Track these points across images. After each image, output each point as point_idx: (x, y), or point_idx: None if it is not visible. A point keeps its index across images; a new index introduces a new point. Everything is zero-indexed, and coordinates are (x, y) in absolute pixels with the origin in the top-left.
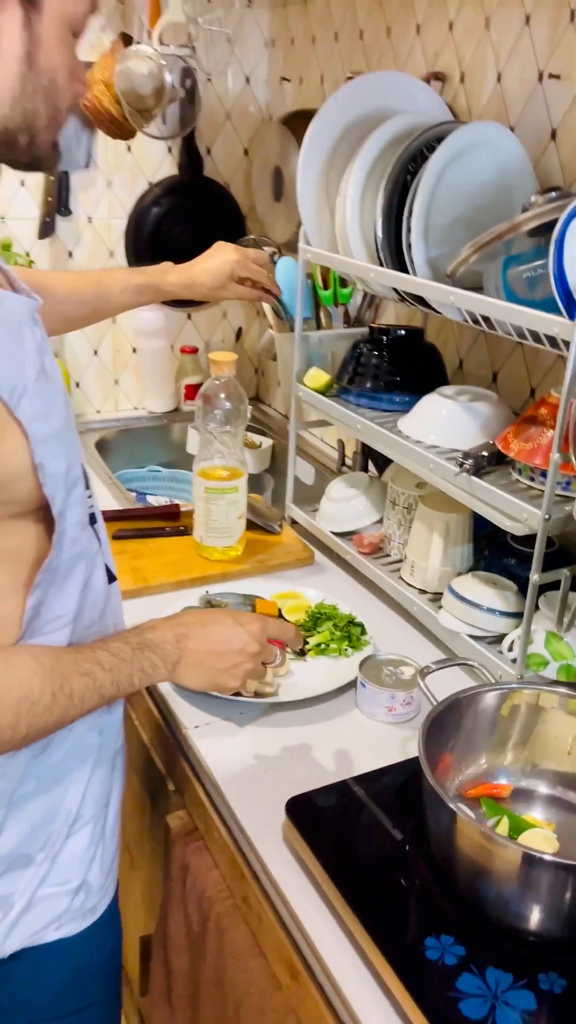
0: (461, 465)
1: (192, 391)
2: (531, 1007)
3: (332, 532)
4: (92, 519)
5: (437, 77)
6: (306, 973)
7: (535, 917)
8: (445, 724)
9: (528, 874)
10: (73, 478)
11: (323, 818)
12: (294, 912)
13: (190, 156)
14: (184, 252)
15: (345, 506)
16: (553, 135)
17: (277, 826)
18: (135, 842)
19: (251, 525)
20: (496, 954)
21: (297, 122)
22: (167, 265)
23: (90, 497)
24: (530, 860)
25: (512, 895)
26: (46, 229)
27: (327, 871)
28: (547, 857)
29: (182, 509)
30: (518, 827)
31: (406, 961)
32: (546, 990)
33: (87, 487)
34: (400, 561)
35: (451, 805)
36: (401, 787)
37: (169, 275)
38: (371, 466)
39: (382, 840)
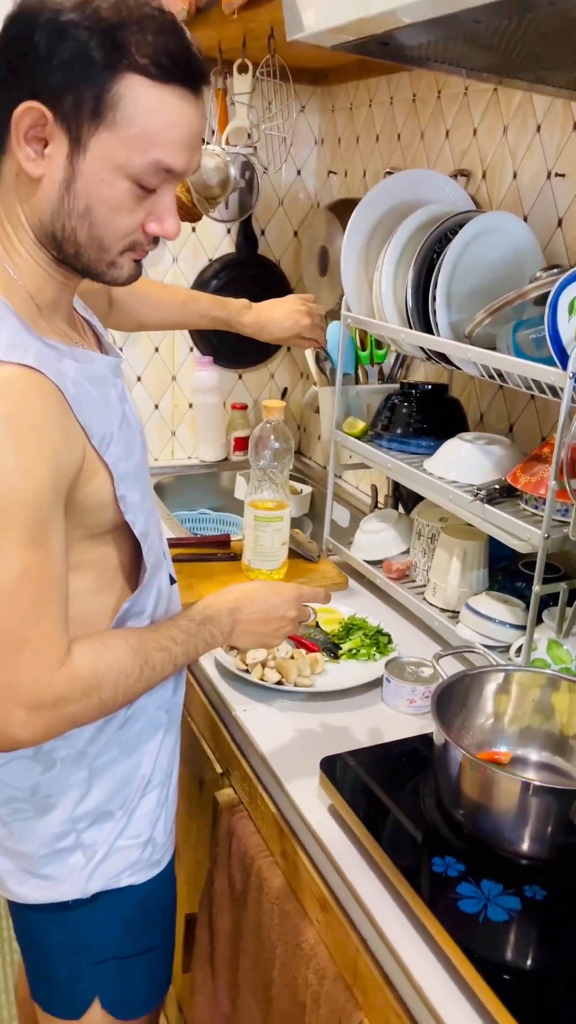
0: (475, 494)
1: (241, 443)
2: (516, 907)
3: (365, 560)
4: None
5: (463, 173)
6: (334, 903)
7: (525, 842)
8: (453, 695)
9: (521, 801)
10: (149, 505)
11: (350, 772)
12: (327, 848)
13: (246, 236)
14: None
15: (376, 537)
16: (560, 223)
17: (313, 784)
18: (181, 833)
19: (292, 554)
20: (490, 870)
21: (341, 209)
22: (244, 303)
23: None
24: (524, 787)
25: (507, 823)
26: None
27: (354, 810)
28: (537, 782)
29: (232, 540)
30: None
31: (416, 874)
32: (529, 897)
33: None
34: (424, 585)
35: (458, 747)
36: (417, 750)
37: (245, 316)
38: (400, 507)
39: (400, 788)
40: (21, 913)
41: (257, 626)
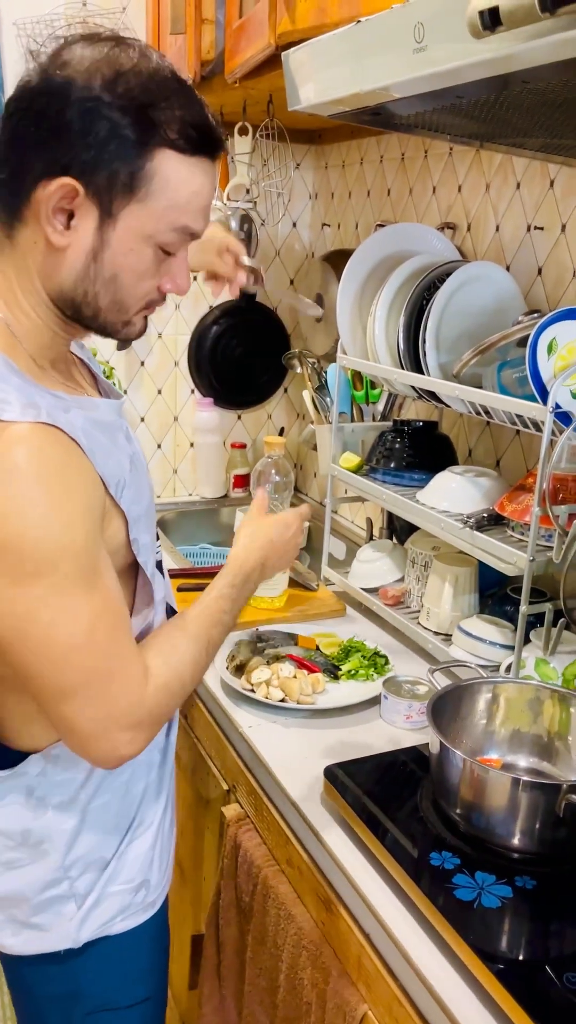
0: (465, 522)
1: (240, 480)
2: (508, 895)
3: (361, 588)
4: (159, 565)
5: (449, 226)
6: (338, 903)
7: (516, 836)
8: (447, 705)
9: (512, 797)
10: (156, 546)
11: (353, 779)
12: (331, 851)
13: None
14: (239, 364)
15: (372, 566)
16: (539, 271)
17: (317, 793)
18: (188, 855)
19: (292, 583)
20: (484, 863)
21: (335, 259)
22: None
23: (158, 550)
24: (515, 783)
25: (499, 819)
26: (123, 343)
27: (356, 813)
28: (526, 778)
29: None
30: None
31: (415, 868)
32: (520, 886)
33: (156, 538)
34: (418, 610)
35: (453, 748)
36: (414, 758)
37: None
38: (394, 538)
39: (399, 792)
40: (12, 964)
41: (280, 562)
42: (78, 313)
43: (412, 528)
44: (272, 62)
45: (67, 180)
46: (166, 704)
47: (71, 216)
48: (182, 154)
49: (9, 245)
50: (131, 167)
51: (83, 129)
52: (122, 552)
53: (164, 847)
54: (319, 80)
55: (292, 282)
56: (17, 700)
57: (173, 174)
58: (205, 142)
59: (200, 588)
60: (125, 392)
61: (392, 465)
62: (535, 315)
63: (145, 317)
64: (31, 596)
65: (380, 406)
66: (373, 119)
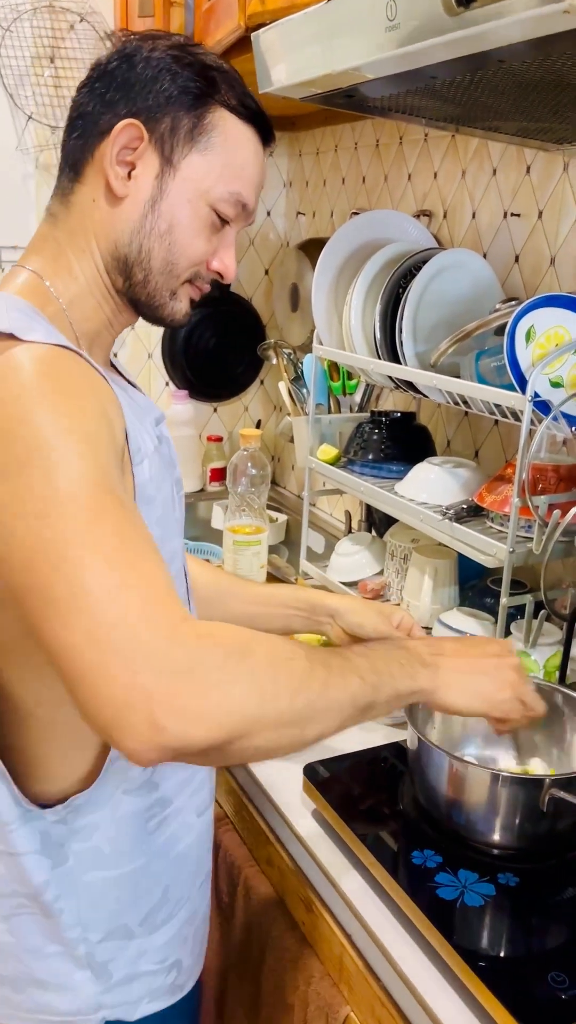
0: (444, 514)
1: (217, 474)
2: (491, 893)
3: (340, 581)
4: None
5: (425, 214)
6: (319, 903)
7: (497, 832)
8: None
9: (492, 793)
10: (167, 551)
11: (332, 777)
12: (311, 850)
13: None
14: (213, 356)
15: (351, 560)
16: (516, 259)
17: (296, 791)
18: None
19: (271, 577)
20: (466, 861)
21: (310, 248)
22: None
23: (186, 596)
24: (494, 778)
25: (479, 816)
26: (168, 324)
27: (336, 812)
28: (507, 773)
29: (213, 564)
30: None
31: (396, 867)
32: (503, 883)
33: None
34: (398, 603)
35: (431, 744)
36: (395, 755)
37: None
38: (373, 530)
39: (380, 790)
40: None
41: (469, 665)
42: (129, 277)
43: (391, 520)
44: (242, 44)
45: (132, 120)
46: (220, 665)
47: (133, 168)
48: (239, 118)
49: (65, 210)
50: (192, 116)
51: (149, 79)
52: None
53: (199, 926)
54: (290, 61)
55: (267, 272)
56: (27, 737)
57: (231, 133)
58: (259, 118)
59: None
60: None
61: (370, 457)
62: (512, 303)
63: (192, 300)
64: (19, 486)
65: (357, 397)
66: (346, 102)
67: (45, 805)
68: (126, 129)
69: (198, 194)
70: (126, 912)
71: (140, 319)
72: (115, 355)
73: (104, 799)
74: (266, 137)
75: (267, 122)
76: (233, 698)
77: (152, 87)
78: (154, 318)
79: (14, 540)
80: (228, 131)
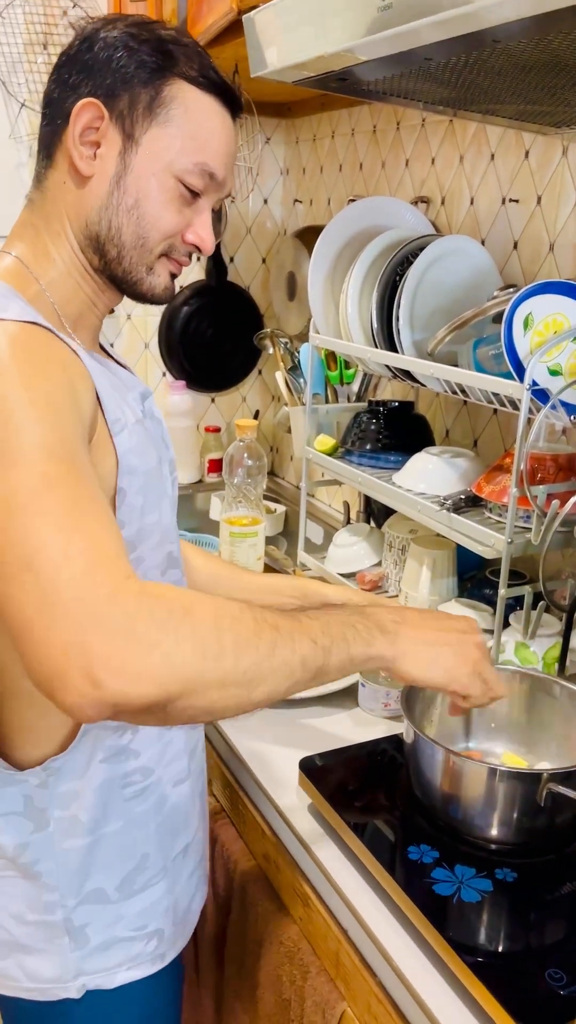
0: (442, 504)
1: (214, 465)
2: (488, 889)
3: (338, 573)
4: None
5: (422, 200)
6: (315, 898)
7: (494, 827)
8: (421, 693)
9: (489, 787)
10: (151, 521)
11: (328, 770)
12: (307, 844)
13: (216, 264)
14: (211, 346)
15: (349, 551)
16: (515, 245)
17: (292, 785)
18: None
19: (268, 569)
20: (463, 856)
21: (307, 236)
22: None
23: (176, 572)
24: (491, 772)
25: (477, 810)
26: (149, 300)
27: (332, 806)
28: (503, 767)
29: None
30: None
31: (393, 862)
32: (501, 879)
33: (174, 565)
34: (396, 595)
35: (427, 738)
36: (391, 748)
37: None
38: (371, 521)
39: (376, 784)
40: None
41: (431, 635)
42: (103, 254)
43: (389, 511)
44: (235, 28)
45: (91, 99)
46: (159, 624)
47: (97, 147)
48: (200, 89)
49: (40, 196)
50: (150, 90)
51: (106, 59)
52: (108, 496)
53: (181, 897)
54: (282, 43)
55: (264, 260)
56: (11, 709)
57: (192, 104)
58: (222, 88)
59: None
60: None
61: (367, 447)
62: (511, 290)
63: (172, 275)
64: None
65: (355, 387)
66: (340, 85)
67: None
68: (85, 108)
69: (162, 166)
70: (101, 876)
71: (135, 306)
72: (112, 345)
73: (81, 767)
74: (233, 107)
75: (232, 92)
76: (173, 656)
77: (109, 65)
78: (135, 294)
79: None
80: (188, 103)
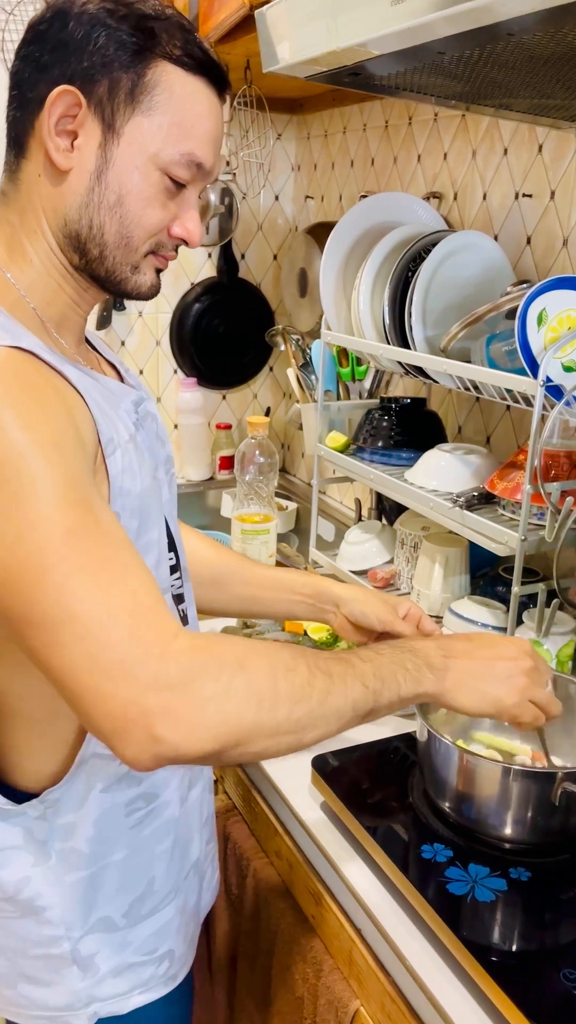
0: (455, 501)
1: (226, 462)
2: (502, 888)
3: (350, 570)
4: (179, 599)
5: (435, 196)
6: (328, 896)
7: (508, 827)
8: None
9: (503, 786)
10: (147, 541)
11: (341, 769)
12: (320, 843)
13: (227, 261)
14: (222, 343)
15: (361, 548)
16: (528, 240)
17: (305, 783)
18: None
19: (279, 566)
20: (477, 855)
21: (319, 232)
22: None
23: (177, 579)
24: (505, 772)
25: (490, 809)
26: (103, 321)
27: (345, 805)
28: (517, 767)
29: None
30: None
31: (406, 861)
32: (515, 878)
33: (175, 571)
34: (408, 592)
35: (441, 737)
36: (404, 747)
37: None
38: (383, 518)
39: (388, 782)
40: None
41: (480, 667)
42: (85, 254)
43: (401, 508)
44: (247, 23)
45: (69, 87)
46: (215, 677)
47: (75, 138)
48: (185, 70)
49: (14, 190)
50: (132, 74)
51: (82, 39)
52: None
53: (189, 917)
54: (294, 38)
55: (275, 257)
56: (9, 731)
57: (178, 88)
58: (208, 65)
59: None
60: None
61: (379, 444)
62: (524, 285)
63: (157, 271)
64: None
65: (366, 383)
66: (353, 80)
67: (23, 800)
68: (61, 96)
69: (146, 159)
70: (107, 905)
71: (146, 304)
72: (120, 343)
73: (79, 797)
74: (220, 86)
75: (219, 69)
76: (229, 710)
77: (86, 47)
78: (119, 293)
79: None
80: (173, 87)
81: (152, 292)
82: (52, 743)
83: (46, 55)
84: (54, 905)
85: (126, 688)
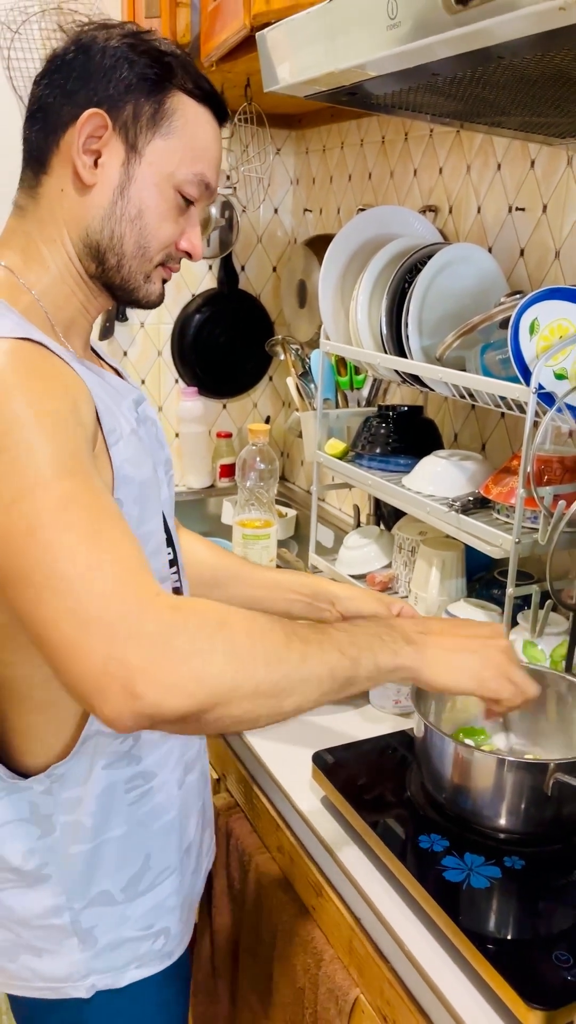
0: (451, 506)
1: (226, 470)
2: (497, 876)
3: (349, 574)
4: (177, 592)
5: (430, 209)
6: (328, 887)
7: (503, 817)
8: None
9: (497, 777)
10: (147, 530)
11: (340, 764)
12: (320, 835)
13: (227, 272)
14: (222, 352)
15: (359, 552)
16: (521, 252)
17: (305, 778)
18: None
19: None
20: (472, 845)
21: (317, 244)
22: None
23: (175, 573)
24: (500, 763)
25: (485, 800)
26: (106, 332)
27: (344, 798)
28: (511, 758)
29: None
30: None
31: (404, 850)
32: (509, 866)
33: (172, 565)
34: (406, 595)
35: (436, 729)
36: (401, 742)
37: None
38: (381, 524)
39: (387, 776)
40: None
41: (457, 642)
42: (103, 262)
43: (399, 514)
44: (248, 44)
45: (96, 110)
46: (192, 636)
47: (99, 156)
48: (196, 100)
49: (33, 203)
50: (153, 101)
51: (109, 68)
52: None
53: (187, 896)
54: (294, 60)
55: (275, 269)
56: (16, 712)
57: (191, 116)
58: (213, 97)
59: None
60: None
61: (377, 451)
62: (517, 296)
63: (163, 282)
64: None
65: (365, 392)
66: (350, 99)
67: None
68: (91, 118)
69: (164, 177)
70: (107, 879)
71: (148, 314)
72: (123, 353)
73: (84, 773)
74: (221, 116)
75: (221, 102)
76: (208, 667)
77: (111, 76)
78: (129, 301)
79: None
80: (188, 114)
81: (159, 300)
82: (58, 723)
83: (71, 83)
84: (59, 875)
85: (105, 643)
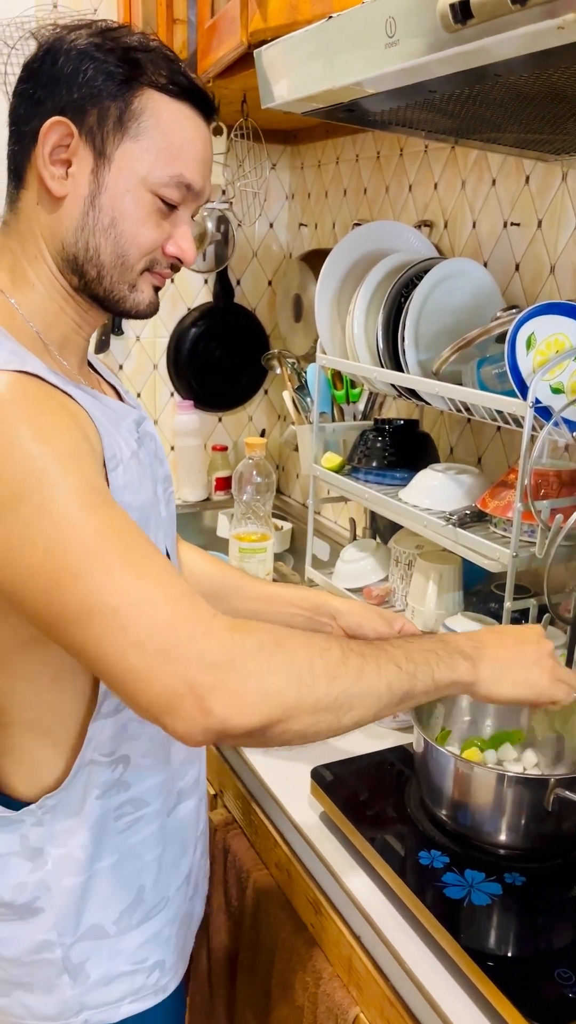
0: (448, 519)
1: (222, 483)
2: (497, 893)
3: (346, 588)
4: None
5: (426, 224)
6: (327, 905)
7: (503, 833)
8: (431, 703)
9: (497, 793)
10: None
11: (339, 780)
12: (319, 852)
13: (223, 286)
14: (218, 366)
15: (356, 566)
16: (517, 267)
17: (304, 794)
18: None
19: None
20: (473, 861)
21: (313, 259)
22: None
23: None
24: (500, 779)
25: (485, 816)
26: (102, 346)
27: (343, 814)
28: (511, 773)
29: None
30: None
31: (404, 867)
32: (510, 883)
33: None
34: (403, 609)
35: (436, 746)
36: (401, 758)
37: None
38: (377, 537)
39: (386, 792)
40: None
41: (510, 654)
42: (83, 275)
43: (395, 527)
44: (245, 61)
45: (61, 119)
46: (254, 656)
47: (69, 166)
48: (170, 97)
49: (15, 219)
50: (120, 102)
51: (72, 72)
52: None
53: (181, 927)
54: (292, 77)
55: (270, 283)
56: (7, 735)
57: (164, 114)
58: (193, 92)
59: None
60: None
61: (374, 464)
62: (513, 311)
63: (155, 289)
64: (17, 523)
65: (361, 405)
66: (347, 116)
67: (18, 808)
68: (53, 128)
69: (136, 182)
70: (99, 912)
71: (144, 327)
72: (119, 366)
73: (77, 803)
74: (206, 111)
75: (204, 95)
76: (271, 685)
77: (75, 79)
78: (119, 312)
79: (29, 573)
80: (160, 113)
81: (151, 310)
82: (51, 750)
83: (39, 90)
84: (50, 908)
85: (174, 668)
